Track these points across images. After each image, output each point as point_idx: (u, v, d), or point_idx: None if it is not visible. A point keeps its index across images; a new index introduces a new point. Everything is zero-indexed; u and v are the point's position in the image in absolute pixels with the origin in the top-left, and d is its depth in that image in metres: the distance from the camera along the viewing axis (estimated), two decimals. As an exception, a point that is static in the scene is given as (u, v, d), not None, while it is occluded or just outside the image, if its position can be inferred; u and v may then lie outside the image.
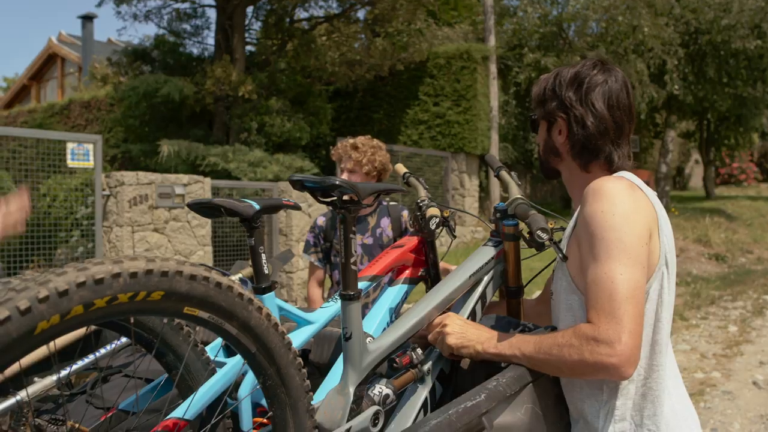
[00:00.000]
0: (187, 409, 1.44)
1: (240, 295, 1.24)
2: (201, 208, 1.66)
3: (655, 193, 1.76)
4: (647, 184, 1.77)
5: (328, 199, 1.53)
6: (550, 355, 1.57)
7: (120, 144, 15.78)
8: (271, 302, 1.70)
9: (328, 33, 14.71)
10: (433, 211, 2.00)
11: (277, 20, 14.89)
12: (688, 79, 17.93)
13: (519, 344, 1.64)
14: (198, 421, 1.52)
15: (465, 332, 1.74)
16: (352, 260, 1.53)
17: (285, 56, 14.67)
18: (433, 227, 1.96)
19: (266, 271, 1.69)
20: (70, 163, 8.06)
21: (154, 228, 8.66)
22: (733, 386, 6.13)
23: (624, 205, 1.58)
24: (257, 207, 1.66)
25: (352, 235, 1.53)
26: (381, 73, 14.75)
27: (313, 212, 10.79)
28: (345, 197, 1.50)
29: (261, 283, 1.69)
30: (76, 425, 1.35)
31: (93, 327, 2.09)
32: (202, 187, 9.22)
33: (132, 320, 1.46)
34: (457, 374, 1.84)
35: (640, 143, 22.64)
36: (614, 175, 1.72)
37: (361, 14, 16.40)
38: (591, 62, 1.81)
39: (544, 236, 1.57)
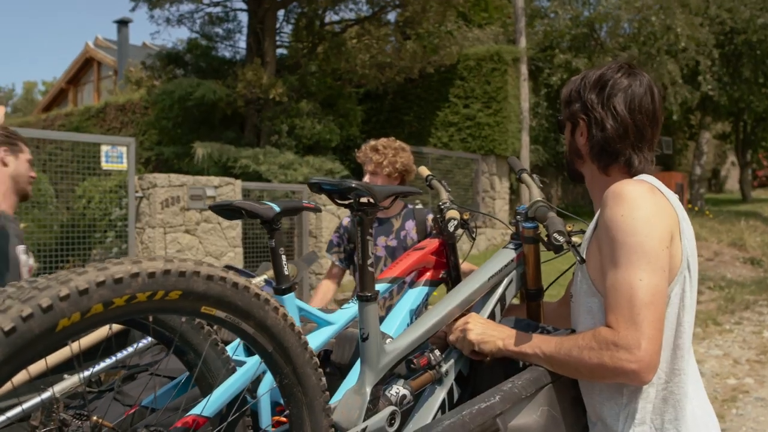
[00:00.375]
0: (206, 406, 1.47)
1: (256, 295, 1.27)
2: (223, 210, 1.70)
3: (677, 196, 1.75)
4: (681, 186, 1.77)
5: (345, 202, 1.56)
6: (570, 357, 1.58)
7: (154, 146, 16.02)
8: (291, 303, 1.73)
9: (358, 36, 14.77)
10: (452, 213, 2.02)
11: (308, 23, 14.99)
12: (722, 80, 17.64)
13: (539, 344, 1.65)
14: (218, 418, 1.55)
15: (486, 330, 1.75)
16: (369, 262, 1.55)
17: (315, 59, 14.76)
18: (451, 229, 1.97)
19: (286, 272, 1.72)
20: (104, 165, 8.22)
21: (185, 229, 8.79)
22: (766, 393, 6.03)
23: (645, 209, 1.57)
24: (277, 209, 1.69)
25: (369, 237, 1.55)
26: (411, 76, 14.76)
27: (343, 215, 10.86)
28: (361, 200, 1.52)
29: (281, 284, 1.72)
30: (100, 420, 1.39)
31: (117, 327, 2.15)
32: (233, 189, 9.33)
33: (151, 319, 1.49)
34: (476, 376, 1.85)
35: (674, 145, 22.29)
36: (635, 178, 1.71)
37: (391, 16, 16.44)
38: (617, 65, 1.81)
39: (561, 239, 1.57)
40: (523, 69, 15.36)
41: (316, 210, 1.84)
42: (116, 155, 8.29)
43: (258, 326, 1.29)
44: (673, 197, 1.68)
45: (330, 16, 15.69)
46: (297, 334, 1.36)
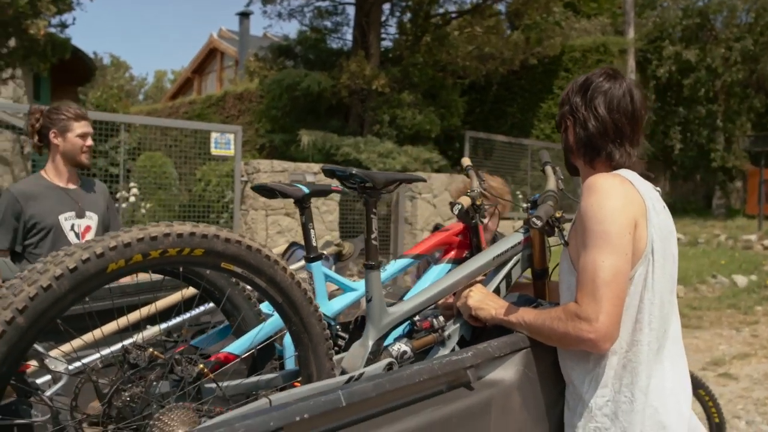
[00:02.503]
0: (236, 346, 1.83)
1: (267, 256, 1.61)
2: (262, 190, 2.05)
3: (652, 186, 1.96)
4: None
5: (353, 186, 1.87)
6: (543, 326, 1.85)
7: (267, 134, 16.85)
8: (318, 270, 2.06)
9: (460, 28, 14.94)
10: (462, 199, 2.28)
11: (412, 16, 15.31)
12: None
13: (523, 315, 1.91)
14: (250, 358, 1.91)
15: (485, 299, 2.04)
16: (373, 236, 1.86)
17: (418, 51, 15.07)
18: (455, 213, 2.23)
19: (314, 244, 2.05)
20: (213, 151, 8.90)
21: (285, 212, 9.35)
22: None
23: (612, 199, 1.80)
24: (306, 191, 2.02)
25: (373, 216, 1.86)
26: (512, 67, 14.79)
27: (438, 202, 11.14)
28: (363, 185, 1.83)
29: (310, 254, 2.05)
30: (155, 352, 1.76)
31: (189, 292, 2.56)
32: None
33: (181, 270, 1.86)
34: (477, 340, 2.12)
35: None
36: (611, 172, 1.93)
37: (501, 7, 16.47)
38: (600, 71, 2.03)
39: (538, 223, 1.82)
40: (631, 60, 15.05)
41: (343, 193, 2.16)
42: (224, 142, 8.96)
43: (268, 281, 1.63)
44: (645, 189, 1.89)
45: (435, 9, 15.92)
46: (303, 290, 1.69)
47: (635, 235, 1.80)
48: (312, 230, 2.07)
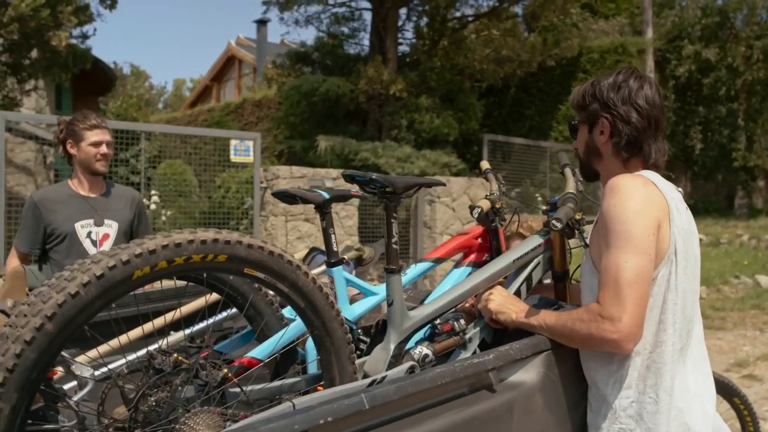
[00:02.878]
0: (259, 351, 1.85)
1: (289, 261, 1.63)
2: (283, 196, 2.07)
3: (674, 187, 1.95)
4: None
5: (373, 191, 1.89)
6: (565, 328, 1.84)
7: (285, 140, 16.94)
8: (339, 274, 2.07)
9: (477, 31, 14.94)
10: (481, 202, 2.28)
11: (429, 20, 15.33)
12: None
13: (544, 317, 1.91)
14: (273, 363, 1.93)
15: (505, 302, 2.04)
16: (394, 240, 1.88)
17: (435, 55, 15.09)
18: (474, 216, 2.23)
19: (335, 248, 2.07)
20: (233, 158, 8.97)
21: (305, 218, 9.40)
22: None
23: (634, 200, 1.80)
24: (326, 196, 2.04)
25: (393, 221, 1.88)
26: (530, 70, 14.76)
27: (457, 206, 11.14)
28: (384, 189, 1.84)
29: (331, 258, 2.07)
30: (180, 357, 1.79)
31: (213, 298, 2.59)
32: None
33: (205, 276, 1.88)
34: (498, 344, 2.12)
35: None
36: (633, 174, 1.92)
37: (517, 9, 16.44)
38: (626, 71, 2.02)
39: (558, 225, 1.82)
40: (650, 60, 14.96)
41: (363, 198, 2.17)
42: (244, 149, 9.02)
43: (291, 286, 1.64)
44: (668, 189, 1.89)
45: (451, 13, 15.94)
46: (325, 295, 1.70)
47: (658, 236, 1.80)
48: (333, 235, 2.08)
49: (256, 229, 9.12)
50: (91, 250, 3.41)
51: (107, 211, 3.52)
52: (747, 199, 19.00)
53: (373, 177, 1.83)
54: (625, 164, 2.00)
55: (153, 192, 9.83)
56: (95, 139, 3.46)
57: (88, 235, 3.45)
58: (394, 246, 1.88)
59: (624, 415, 1.83)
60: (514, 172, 13.69)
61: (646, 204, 1.81)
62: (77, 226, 3.42)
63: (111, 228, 3.53)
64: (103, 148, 3.49)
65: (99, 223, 3.48)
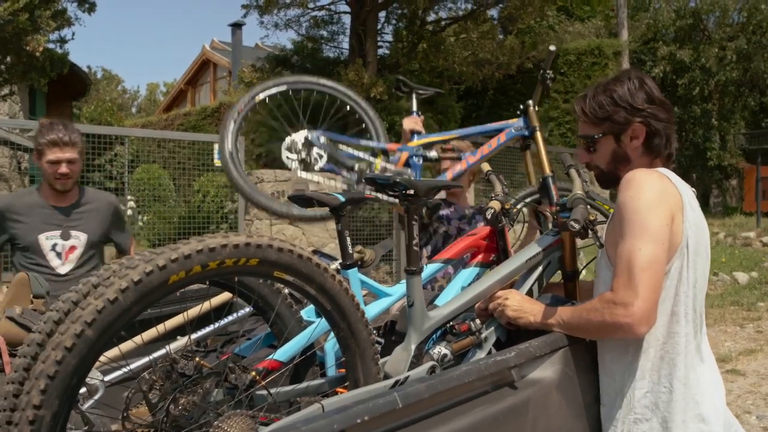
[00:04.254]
0: (280, 353, 1.87)
1: (317, 264, 1.64)
2: (299, 199, 2.09)
3: (688, 186, 2.00)
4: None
5: (395, 194, 1.91)
6: (580, 319, 1.90)
7: (264, 143, 16.85)
8: (354, 276, 2.10)
9: (456, 34, 15.03)
10: (492, 203, 2.32)
11: (408, 23, 15.38)
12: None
13: (560, 314, 1.96)
14: (293, 366, 1.95)
15: (522, 306, 2.07)
16: (414, 242, 1.90)
17: (415, 58, 15.14)
18: (488, 217, 2.27)
19: (350, 251, 2.09)
20: (217, 161, 8.92)
21: (290, 222, 9.38)
22: None
23: (649, 191, 1.85)
24: (342, 199, 2.06)
25: (414, 222, 1.90)
26: (509, 72, 14.88)
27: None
28: (407, 192, 1.87)
29: (346, 261, 2.09)
30: (200, 361, 1.79)
31: (218, 301, 2.59)
32: (334, 183, 9.84)
33: (237, 280, 1.90)
34: (512, 343, 2.16)
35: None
36: (649, 168, 1.97)
37: (493, 12, 16.57)
38: (629, 73, 2.06)
39: (576, 226, 1.86)
40: (625, 62, 15.18)
41: (376, 200, 2.20)
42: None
43: (318, 289, 1.66)
44: (682, 185, 1.94)
45: (429, 16, 16.00)
46: (351, 297, 1.72)
47: (672, 228, 1.84)
48: (347, 238, 2.10)
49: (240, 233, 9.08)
50: (55, 262, 3.31)
51: (76, 223, 3.38)
52: (722, 197, 19.33)
53: (397, 180, 1.85)
54: (652, 162, 2.04)
55: (129, 197, 9.74)
56: (52, 158, 3.26)
57: (53, 247, 3.33)
58: (414, 248, 1.90)
59: (639, 406, 1.88)
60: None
61: (661, 195, 1.85)
62: (41, 237, 3.30)
63: (78, 240, 3.38)
64: (63, 168, 3.27)
65: (65, 236, 3.35)
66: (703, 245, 1.94)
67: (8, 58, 9.99)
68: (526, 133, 2.86)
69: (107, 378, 2.19)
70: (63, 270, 3.34)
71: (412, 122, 3.01)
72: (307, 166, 2.63)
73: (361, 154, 2.68)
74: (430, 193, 1.93)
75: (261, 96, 2.74)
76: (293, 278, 1.62)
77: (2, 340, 2.13)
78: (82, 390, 2.11)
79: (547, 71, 2.85)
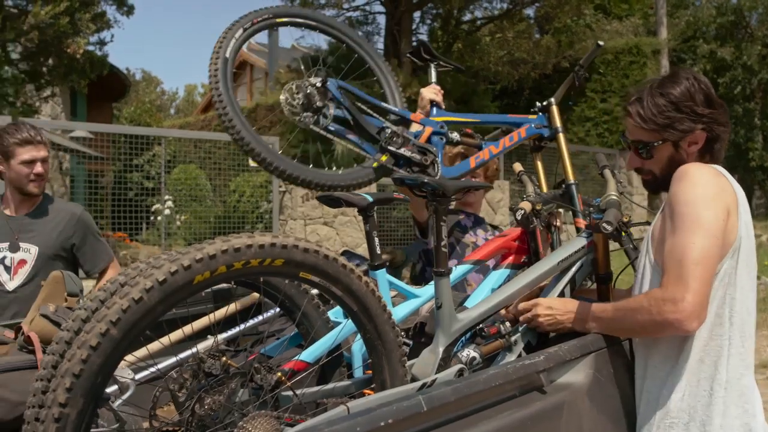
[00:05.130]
0: (307, 354, 1.86)
1: (343, 265, 1.63)
2: (327, 200, 2.08)
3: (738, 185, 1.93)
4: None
5: (423, 194, 1.89)
6: (624, 318, 1.84)
7: (300, 144, 16.95)
8: (383, 277, 2.08)
9: (491, 33, 14.93)
10: (523, 204, 2.28)
11: (443, 23, 15.33)
12: None
13: (600, 313, 1.92)
14: (320, 366, 1.94)
15: (553, 313, 2.02)
16: (443, 243, 1.88)
17: (450, 58, 15.07)
18: (518, 218, 2.23)
19: (378, 252, 2.07)
20: (252, 162, 8.98)
21: (324, 222, 9.42)
22: None
23: (704, 185, 1.78)
24: (370, 200, 2.05)
25: (442, 223, 1.88)
26: (545, 71, 14.73)
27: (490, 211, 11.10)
28: (434, 192, 1.84)
29: (374, 261, 2.07)
30: (228, 360, 1.79)
31: (246, 301, 2.59)
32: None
33: (262, 280, 1.89)
34: (543, 346, 2.12)
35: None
36: (702, 163, 1.91)
37: (530, 12, 16.44)
38: (682, 75, 1.97)
39: (609, 228, 1.82)
40: (664, 61, 14.92)
41: (405, 201, 2.18)
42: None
43: (345, 290, 1.65)
44: (737, 185, 1.87)
45: (465, 16, 15.94)
46: (377, 298, 1.70)
47: (727, 226, 1.77)
48: (376, 238, 2.09)
49: (274, 232, 9.15)
50: (3, 277, 3.06)
51: (28, 234, 3.12)
52: (765, 198, 18.88)
53: (425, 180, 1.83)
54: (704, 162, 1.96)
55: (167, 197, 9.87)
56: (27, 157, 3.06)
57: (2, 260, 3.07)
58: (443, 249, 1.88)
59: (675, 409, 1.81)
60: (530, 174, 13.62)
61: (717, 190, 1.79)
62: None
63: (28, 253, 3.11)
64: (38, 167, 3.09)
65: (14, 248, 3.08)
66: (752, 247, 1.87)
67: (50, 61, 10.21)
68: (546, 133, 2.74)
69: (138, 376, 2.21)
70: (10, 286, 3.07)
71: (432, 92, 2.73)
72: (315, 119, 2.14)
73: (382, 122, 2.28)
74: (458, 192, 1.90)
75: (284, 19, 2.40)
76: (319, 279, 1.61)
77: (36, 337, 2.16)
78: (114, 388, 2.13)
79: (583, 67, 2.73)
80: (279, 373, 1.68)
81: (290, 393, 1.74)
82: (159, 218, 10.17)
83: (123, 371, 2.08)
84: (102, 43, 10.95)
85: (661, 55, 14.98)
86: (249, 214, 10.22)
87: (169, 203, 9.89)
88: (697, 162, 1.93)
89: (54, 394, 1.30)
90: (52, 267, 3.06)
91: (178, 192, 10.52)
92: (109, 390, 2.07)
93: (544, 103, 2.75)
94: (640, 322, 1.78)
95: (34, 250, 3.11)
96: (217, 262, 1.43)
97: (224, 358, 1.77)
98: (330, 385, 1.85)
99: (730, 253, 1.80)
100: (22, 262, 3.10)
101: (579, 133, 15.90)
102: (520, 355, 2.05)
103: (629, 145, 2.05)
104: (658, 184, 2.03)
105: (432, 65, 2.80)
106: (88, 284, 3.24)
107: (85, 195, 11.03)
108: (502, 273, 2.34)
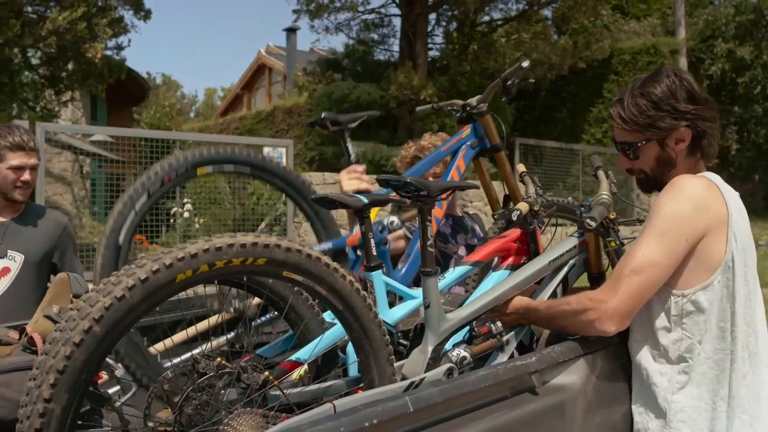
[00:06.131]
0: (300, 354, 1.87)
1: (327, 264, 1.64)
2: (323, 201, 2.08)
3: (737, 193, 1.91)
4: None
5: (408, 194, 1.89)
6: (555, 311, 1.91)
7: (317, 146, 17.04)
8: (378, 279, 2.08)
9: (507, 34, 14.91)
10: (520, 205, 2.27)
11: (458, 25, 15.33)
12: None
13: (541, 306, 1.99)
14: (314, 367, 1.95)
15: (513, 305, 2.05)
16: (429, 243, 1.88)
17: (465, 59, 15.07)
18: (514, 218, 2.22)
19: (374, 253, 2.08)
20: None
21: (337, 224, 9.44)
22: None
23: (686, 202, 1.78)
24: (365, 201, 2.05)
25: (428, 223, 1.88)
26: (561, 72, 14.66)
27: (490, 211, 11.06)
28: (420, 193, 1.85)
29: (370, 263, 2.07)
30: (223, 361, 1.81)
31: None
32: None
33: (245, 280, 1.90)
34: (536, 346, 2.12)
35: None
36: (697, 175, 1.88)
37: (547, 12, 16.37)
38: (664, 72, 1.94)
39: (592, 224, 1.82)
40: (682, 61, 14.78)
41: (401, 202, 2.18)
42: (277, 156, 9.10)
43: (329, 289, 1.65)
44: (730, 192, 1.85)
45: (480, 18, 15.91)
46: (362, 297, 1.71)
47: (707, 245, 1.77)
48: (372, 239, 2.09)
49: (289, 235, 9.19)
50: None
51: (14, 241, 3.01)
52: (786, 199, 18.62)
53: (408, 180, 1.84)
54: (697, 162, 1.95)
55: (186, 200, 9.95)
56: (16, 163, 2.95)
57: None
58: (429, 249, 1.88)
59: (676, 420, 1.81)
60: (546, 176, 13.58)
61: (697, 210, 1.78)
62: None
63: (13, 261, 2.99)
64: (26, 175, 2.97)
65: (0, 254, 2.97)
66: (751, 255, 1.85)
67: (69, 65, 10.36)
68: (488, 144, 2.67)
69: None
70: None
71: (353, 179, 2.51)
72: None
73: None
74: (442, 193, 1.90)
75: (207, 170, 2.18)
76: (303, 278, 1.62)
77: (39, 338, 2.19)
78: (116, 388, 2.16)
79: (507, 79, 2.59)
80: (266, 373, 1.69)
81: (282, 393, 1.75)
82: (178, 221, 10.26)
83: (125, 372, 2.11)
84: (119, 47, 11.09)
85: (679, 55, 14.85)
86: (266, 217, 10.28)
87: (188, 206, 9.97)
88: (687, 160, 1.93)
89: (39, 390, 1.33)
90: (35, 275, 3.04)
91: (197, 195, 10.60)
92: (111, 391, 2.11)
93: (472, 111, 2.66)
94: (565, 316, 1.84)
95: (20, 258, 3.00)
96: (199, 261, 1.45)
97: (219, 359, 1.79)
98: (315, 385, 1.85)
99: (721, 268, 1.79)
100: (6, 270, 2.98)
101: (596, 134, 15.80)
102: (512, 356, 2.05)
103: (617, 147, 2.04)
104: (651, 184, 2.02)
105: (346, 133, 2.59)
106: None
107: (105, 198, 11.18)
108: (501, 274, 2.33)
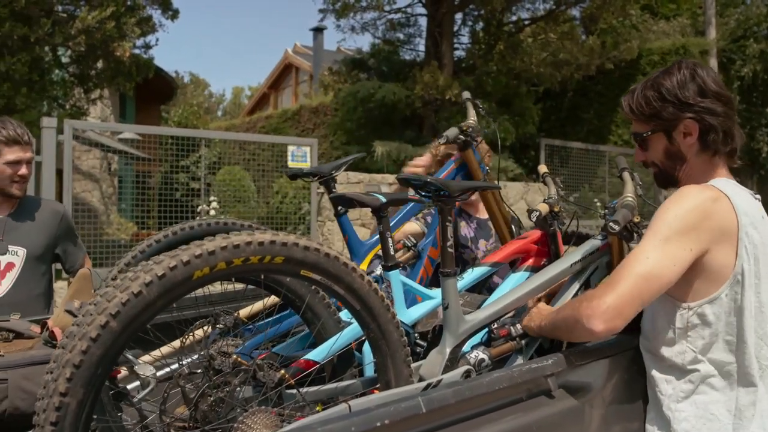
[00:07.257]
0: (316, 353, 1.87)
1: (345, 264, 1.63)
2: (341, 200, 2.08)
3: (751, 194, 1.87)
4: None
5: (428, 194, 1.88)
6: (558, 316, 1.85)
7: (342, 146, 17.08)
8: (396, 278, 2.07)
9: (534, 34, 14.81)
10: (540, 206, 2.25)
11: (485, 25, 15.26)
12: None
13: (548, 315, 1.93)
14: (330, 365, 1.94)
15: (531, 314, 2.02)
16: (448, 244, 1.87)
17: (492, 59, 15.00)
18: (533, 219, 2.20)
19: (392, 252, 2.07)
20: (291, 164, 9.09)
21: (361, 223, 9.44)
22: None
23: (689, 212, 1.74)
24: (383, 200, 2.04)
25: (448, 224, 1.87)
26: (588, 73, 14.52)
27: (514, 211, 11.00)
28: (440, 193, 1.84)
29: (388, 262, 2.07)
30: (239, 358, 1.81)
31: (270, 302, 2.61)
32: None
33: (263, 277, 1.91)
34: (556, 349, 2.09)
35: None
36: (705, 185, 1.83)
37: (575, 12, 16.24)
38: (681, 65, 1.91)
39: (616, 228, 1.79)
40: (713, 61, 14.54)
41: (421, 202, 2.17)
42: (301, 155, 9.13)
43: (347, 288, 1.65)
44: (743, 202, 1.79)
45: (507, 17, 15.83)
46: (380, 297, 1.70)
47: (713, 258, 1.74)
48: (390, 239, 2.08)
49: (313, 234, 9.22)
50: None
51: (15, 235, 3.01)
52: (818, 203, 18.22)
53: (429, 180, 1.82)
54: (712, 160, 1.90)
55: (212, 198, 10.02)
56: (12, 158, 2.94)
57: None
58: (449, 249, 1.87)
59: (680, 429, 1.78)
60: (572, 177, 13.47)
61: (702, 221, 1.73)
62: None
63: (16, 256, 2.99)
64: (23, 169, 2.97)
65: (2, 251, 2.96)
66: (766, 269, 1.80)
67: (99, 63, 10.50)
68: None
69: (160, 373, 2.25)
70: None
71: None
72: None
73: None
74: (463, 193, 1.89)
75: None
76: (320, 277, 1.62)
77: (59, 332, 2.22)
78: (136, 384, 2.17)
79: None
80: (282, 371, 1.69)
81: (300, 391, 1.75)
82: (205, 219, 10.33)
83: (145, 368, 2.13)
84: (147, 46, 11.21)
85: (709, 56, 14.62)
86: (291, 216, 10.32)
87: (214, 204, 10.04)
88: (699, 157, 1.89)
89: (55, 384, 1.34)
90: (38, 267, 3.06)
91: (224, 193, 10.68)
92: (130, 386, 2.13)
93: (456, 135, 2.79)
94: (565, 321, 1.78)
95: (22, 252, 3.01)
96: (216, 259, 1.45)
97: (234, 356, 1.80)
98: (333, 384, 1.85)
99: (729, 281, 1.75)
100: (10, 265, 2.98)
101: (623, 135, 15.62)
102: (531, 358, 2.03)
103: (634, 139, 2.05)
104: (665, 178, 1.99)
105: (332, 186, 2.50)
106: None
107: (133, 195, 11.30)
108: (521, 275, 2.32)
